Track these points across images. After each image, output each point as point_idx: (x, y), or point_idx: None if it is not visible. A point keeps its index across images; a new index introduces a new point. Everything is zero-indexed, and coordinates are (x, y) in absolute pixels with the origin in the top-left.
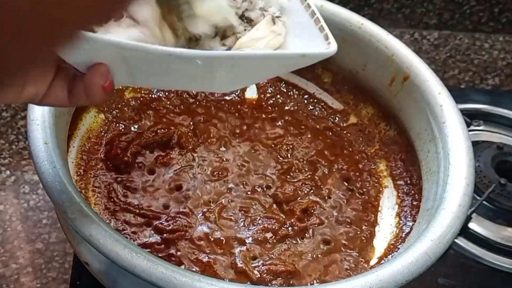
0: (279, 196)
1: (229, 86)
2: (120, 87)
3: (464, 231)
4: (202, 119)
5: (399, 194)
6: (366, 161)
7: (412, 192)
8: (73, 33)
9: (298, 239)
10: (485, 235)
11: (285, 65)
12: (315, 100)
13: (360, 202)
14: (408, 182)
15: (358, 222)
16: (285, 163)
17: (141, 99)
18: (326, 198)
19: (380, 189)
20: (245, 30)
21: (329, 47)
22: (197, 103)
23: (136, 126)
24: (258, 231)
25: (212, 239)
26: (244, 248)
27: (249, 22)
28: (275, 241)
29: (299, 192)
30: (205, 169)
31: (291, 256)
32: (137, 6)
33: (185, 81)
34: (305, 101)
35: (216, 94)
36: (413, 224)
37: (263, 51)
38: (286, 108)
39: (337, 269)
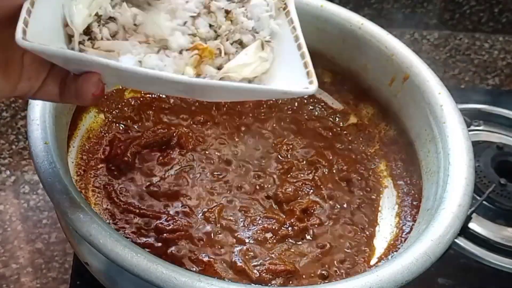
0: (279, 196)
1: (215, 100)
2: (120, 87)
3: (464, 231)
4: (202, 119)
5: (399, 194)
6: (366, 161)
7: (412, 192)
8: None
9: (298, 239)
10: (485, 235)
11: (267, 96)
12: (315, 100)
13: (360, 202)
14: (408, 182)
15: (358, 222)
16: (285, 163)
17: (141, 99)
18: (326, 198)
19: (380, 189)
20: (236, 51)
21: (310, 87)
22: (197, 103)
23: (136, 126)
24: (258, 231)
25: (212, 239)
26: (244, 248)
27: (240, 44)
28: (275, 241)
29: (299, 192)
30: (205, 169)
31: (291, 256)
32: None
33: (172, 92)
34: (305, 101)
35: None
36: (413, 224)
37: (244, 85)
38: (286, 108)
39: (337, 269)
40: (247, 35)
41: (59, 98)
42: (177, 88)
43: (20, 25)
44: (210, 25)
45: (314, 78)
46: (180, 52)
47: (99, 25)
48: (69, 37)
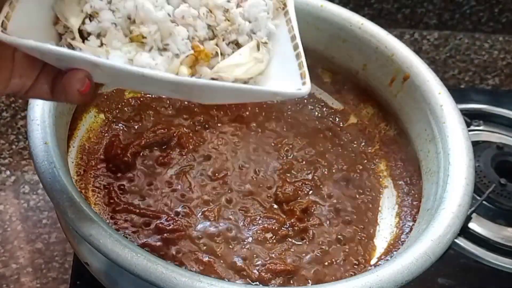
0: (279, 196)
1: (208, 101)
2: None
3: (464, 231)
4: (202, 119)
5: (399, 194)
6: (366, 161)
7: (412, 192)
8: None
9: (298, 239)
10: (485, 235)
11: (258, 97)
12: (315, 100)
13: (360, 202)
14: (408, 182)
15: (358, 222)
16: (285, 163)
17: (141, 99)
18: (326, 198)
19: (380, 189)
20: (232, 52)
21: (303, 88)
22: (198, 103)
23: (136, 126)
24: (258, 231)
25: (212, 239)
26: (244, 247)
27: (237, 44)
28: (275, 241)
29: (299, 192)
30: (205, 169)
31: (291, 255)
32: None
33: (164, 92)
34: (305, 101)
35: None
36: (413, 224)
37: (231, 85)
38: (286, 108)
39: (337, 269)
40: (243, 35)
41: (51, 97)
42: (167, 87)
43: (0, 18)
44: (208, 26)
45: (307, 79)
46: (177, 55)
47: (90, 21)
48: (59, 36)
